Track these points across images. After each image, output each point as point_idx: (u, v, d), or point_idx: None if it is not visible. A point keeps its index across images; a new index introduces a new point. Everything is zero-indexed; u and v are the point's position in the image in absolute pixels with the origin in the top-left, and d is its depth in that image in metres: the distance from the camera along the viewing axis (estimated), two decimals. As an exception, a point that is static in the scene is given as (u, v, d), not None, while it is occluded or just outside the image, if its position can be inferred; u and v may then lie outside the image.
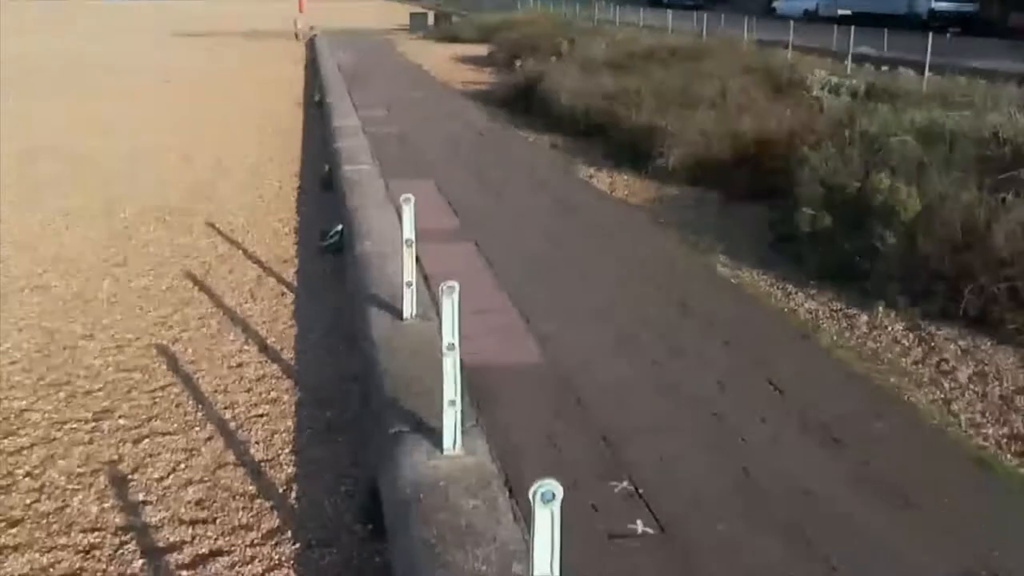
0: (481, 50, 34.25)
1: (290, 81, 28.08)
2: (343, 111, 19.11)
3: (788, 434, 5.50)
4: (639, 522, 4.58)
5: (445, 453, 4.98)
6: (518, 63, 23.87)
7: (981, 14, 40.83)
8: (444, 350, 4.70)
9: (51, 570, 4.84)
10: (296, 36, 44.73)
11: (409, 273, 6.99)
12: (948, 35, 25.85)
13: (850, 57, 20.88)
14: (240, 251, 10.93)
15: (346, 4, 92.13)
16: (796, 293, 8.41)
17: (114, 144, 17.33)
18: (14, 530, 5.17)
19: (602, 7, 47.08)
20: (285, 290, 9.54)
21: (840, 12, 43.01)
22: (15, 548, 5.00)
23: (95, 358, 7.68)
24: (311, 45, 39.62)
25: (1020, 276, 6.98)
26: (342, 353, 7.74)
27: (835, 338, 7.35)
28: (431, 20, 51.38)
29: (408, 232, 6.83)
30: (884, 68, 18.87)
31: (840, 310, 7.94)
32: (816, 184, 9.73)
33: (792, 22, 29.27)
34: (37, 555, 4.95)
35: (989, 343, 7.08)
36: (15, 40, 39.97)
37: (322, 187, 14.12)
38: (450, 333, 4.69)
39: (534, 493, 2.75)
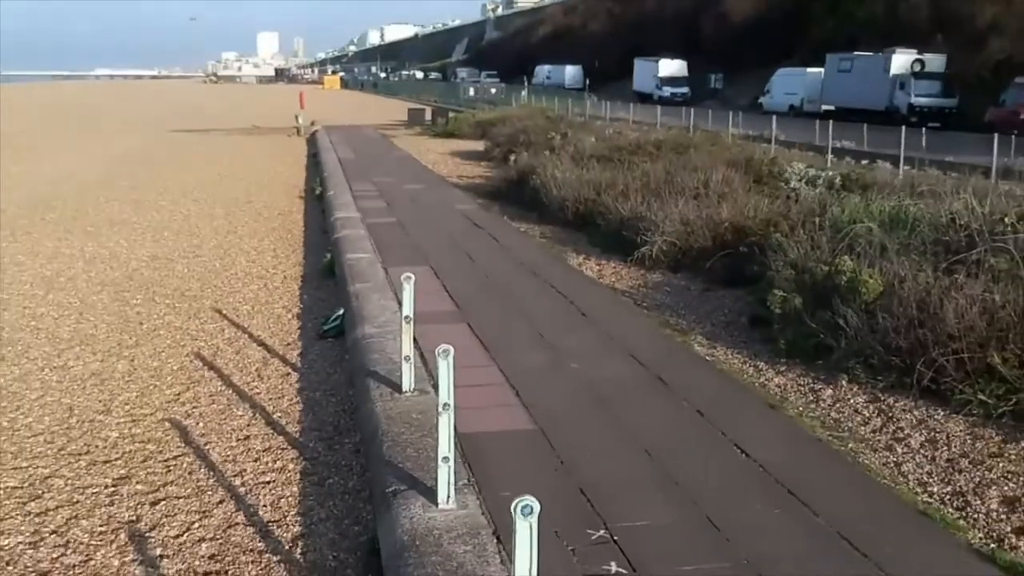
0: (478, 145, 35.42)
1: (292, 176, 29.05)
2: (344, 203, 19.96)
3: (747, 488, 6.06)
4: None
5: (439, 507, 5.53)
6: (512, 158, 24.84)
7: (960, 108, 42.21)
8: (439, 409, 5.22)
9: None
10: (297, 132, 46.08)
11: (408, 348, 7.59)
12: (924, 130, 26.93)
13: (829, 151, 21.89)
14: (246, 335, 11.53)
15: (346, 99, 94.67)
16: (767, 369, 9.02)
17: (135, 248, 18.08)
18: (44, 581, 5.68)
19: (594, 103, 48.71)
20: (290, 370, 10.12)
21: (824, 107, 44.54)
22: (46, 597, 5.51)
23: (112, 431, 8.23)
24: (312, 140, 40.90)
25: (967, 349, 7.59)
26: (343, 428, 8.29)
27: (801, 409, 7.94)
28: (428, 116, 52.98)
29: (407, 310, 7.45)
30: (864, 161, 19.83)
31: (807, 384, 8.55)
32: (788, 268, 10.43)
33: (775, 117, 30.42)
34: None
35: (941, 413, 7.67)
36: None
37: (322, 275, 14.80)
38: (445, 394, 5.14)
39: (515, 507, 3.28)
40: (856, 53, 44.99)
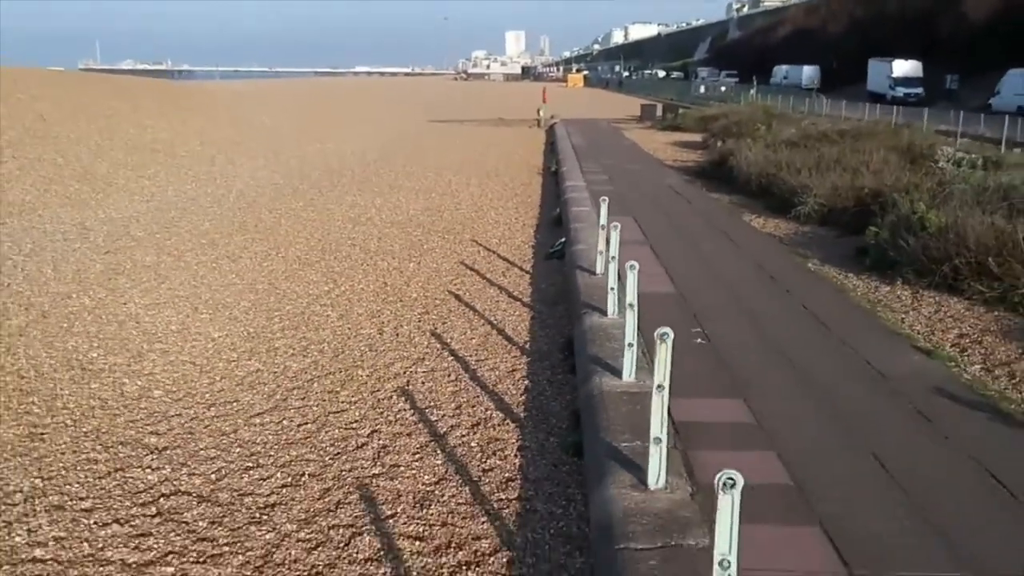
0: (697, 137, 39.34)
1: (532, 158, 34.28)
2: (573, 176, 24.75)
3: (796, 320, 10.24)
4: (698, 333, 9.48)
5: (609, 317, 10.05)
6: (718, 143, 28.80)
7: None
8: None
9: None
10: (538, 124, 51.52)
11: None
12: None
13: (1003, 143, 24.39)
14: (495, 255, 16.48)
15: (587, 96, 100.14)
16: (852, 277, 12.94)
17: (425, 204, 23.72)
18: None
19: (818, 101, 51.07)
20: (525, 273, 14.96)
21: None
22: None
23: (413, 294, 13.36)
24: (551, 131, 46.16)
25: (976, 258, 11.27)
26: (558, 300, 13.00)
27: (859, 295, 11.88)
28: (659, 111, 57.11)
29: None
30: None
31: (873, 284, 12.43)
32: (892, 216, 14.13)
33: (962, 113, 32.44)
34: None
35: (953, 299, 11.38)
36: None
37: (552, 225, 19.56)
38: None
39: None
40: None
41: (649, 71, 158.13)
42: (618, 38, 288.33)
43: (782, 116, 36.68)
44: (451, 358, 10.45)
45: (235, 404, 9.06)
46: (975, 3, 64.10)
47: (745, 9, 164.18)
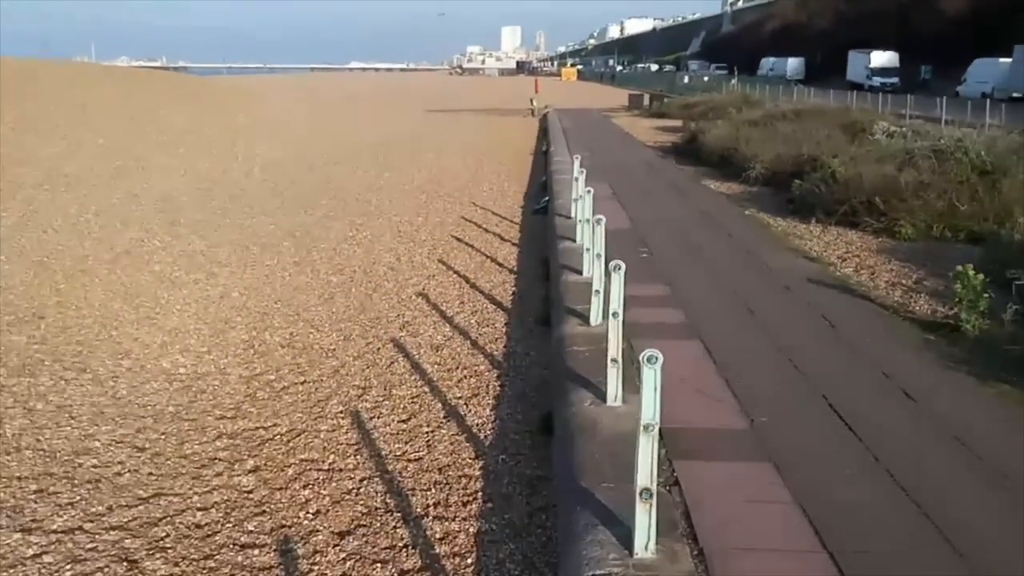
0: (679, 123, 42.31)
1: (525, 141, 37.38)
2: (561, 152, 27.81)
3: (718, 241, 13.32)
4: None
5: (578, 244, 13.15)
6: (691, 125, 31.90)
7: None
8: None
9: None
10: (532, 113, 54.55)
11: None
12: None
13: (941, 121, 27.48)
14: (490, 212, 19.56)
15: (580, 89, 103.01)
16: (778, 219, 16.01)
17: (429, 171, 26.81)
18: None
19: (799, 91, 54.10)
20: (514, 224, 18.05)
21: (1013, 95, 48.05)
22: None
23: (423, 237, 16.45)
24: (543, 119, 49.19)
25: (867, 199, 14.37)
26: (541, 237, 16.07)
27: (779, 230, 14.97)
28: (646, 101, 60.21)
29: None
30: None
31: (793, 223, 15.51)
32: (816, 173, 17.21)
33: (910, 98, 35.63)
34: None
35: (851, 232, 14.47)
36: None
37: (539, 191, 22.63)
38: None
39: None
40: (1043, 43, 48.15)
41: (643, 65, 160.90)
42: (614, 33, 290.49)
43: (755, 102, 39.68)
44: (455, 275, 13.53)
45: (294, 301, 12.14)
46: (949, -2, 67.22)
47: (740, 3, 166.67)
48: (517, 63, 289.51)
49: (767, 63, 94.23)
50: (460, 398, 8.48)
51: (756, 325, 9.25)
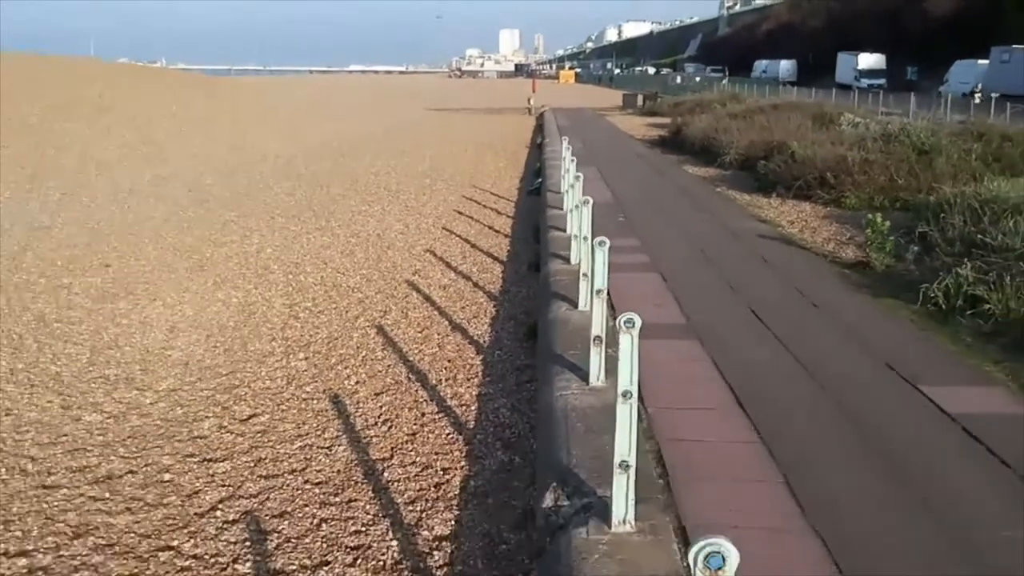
0: (669, 120, 44.42)
1: (521, 136, 39.41)
2: (555, 144, 29.81)
3: (690, 210, 15.35)
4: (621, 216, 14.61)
5: (565, 212, 15.18)
6: (678, 119, 33.96)
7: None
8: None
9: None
10: (529, 112, 56.59)
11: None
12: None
13: (910, 114, 29.52)
14: (489, 193, 21.58)
15: (577, 91, 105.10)
16: (744, 195, 18.05)
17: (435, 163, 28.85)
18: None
19: (786, 90, 56.16)
20: (511, 202, 20.06)
21: (992, 95, 50.15)
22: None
23: (429, 209, 18.48)
24: (540, 117, 51.24)
25: (819, 174, 16.40)
26: (536, 212, 18.10)
27: (744, 202, 17.00)
28: (640, 101, 62.28)
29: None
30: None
31: (757, 197, 17.54)
32: (783, 155, 19.24)
33: (912, 96, 37.72)
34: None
35: (806, 204, 16.49)
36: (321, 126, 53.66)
37: (533, 175, 24.66)
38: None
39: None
40: (1015, 46, 50.20)
41: (640, 67, 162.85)
42: (611, 36, 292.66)
43: (741, 99, 41.78)
44: (458, 238, 15.54)
45: (320, 255, 14.14)
46: (936, 1, 69.33)
47: (737, 7, 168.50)
48: (515, 66, 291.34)
49: (760, 65, 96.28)
50: (464, 318, 10.49)
51: (706, 263, 11.29)
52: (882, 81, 67.63)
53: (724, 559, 2.34)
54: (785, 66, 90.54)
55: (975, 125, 20.08)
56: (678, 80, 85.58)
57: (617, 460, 4.36)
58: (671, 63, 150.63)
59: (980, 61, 53.66)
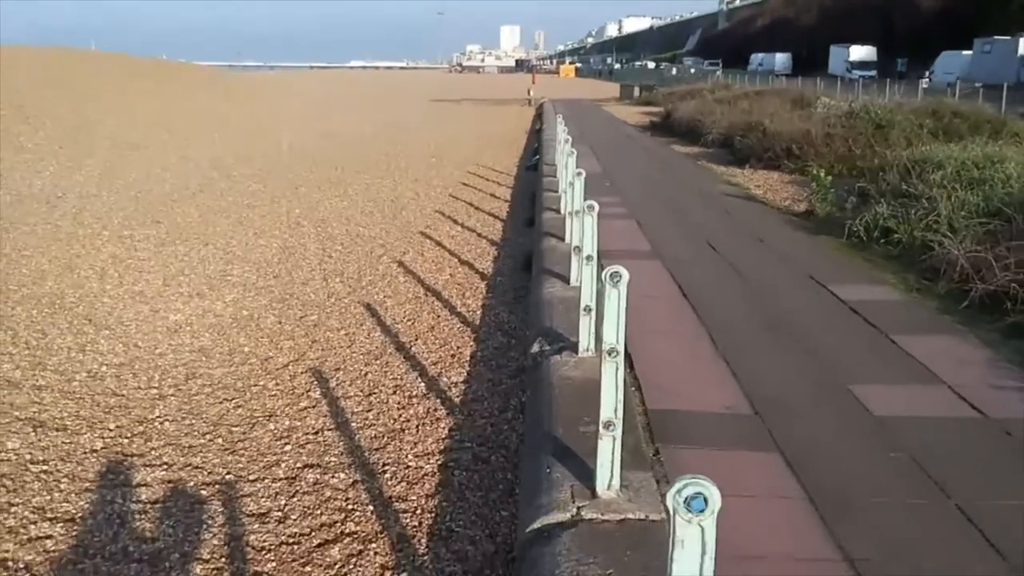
0: (663, 109, 46.41)
1: (521, 124, 41.36)
2: (552, 129, 31.75)
3: (664, 176, 17.29)
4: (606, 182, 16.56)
5: (556, 179, 17.13)
6: (670, 106, 35.91)
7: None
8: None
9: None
10: (529, 103, 58.52)
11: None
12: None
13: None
14: (491, 170, 23.54)
15: (577, 84, 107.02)
16: (721, 166, 20.00)
17: (434, 147, 30.83)
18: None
19: (775, 80, 58.07)
20: (511, 177, 22.02)
21: (977, 84, 52.10)
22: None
23: (435, 184, 20.44)
24: (539, 108, 53.18)
25: (786, 145, 18.34)
26: (532, 183, 20.06)
27: (719, 172, 18.96)
28: (636, 92, 64.22)
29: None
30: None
31: (733, 168, 19.50)
32: (758, 132, 21.18)
33: (896, 86, 39.61)
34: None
35: (775, 173, 18.44)
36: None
37: (531, 154, 26.60)
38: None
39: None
40: (995, 38, 52.24)
41: (640, 62, 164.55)
42: (612, 32, 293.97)
43: (730, 87, 43.74)
44: (464, 203, 17.49)
45: (343, 215, 16.09)
46: (925, -5, 71.33)
47: (736, 1, 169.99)
48: (516, 61, 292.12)
49: (756, 58, 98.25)
50: (471, 257, 12.46)
51: (676, 213, 13.28)
52: (872, 72, 69.47)
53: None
54: (780, 59, 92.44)
55: (931, 104, 21.96)
56: (674, 72, 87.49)
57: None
58: (670, 57, 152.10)
59: (965, 52, 55.54)
